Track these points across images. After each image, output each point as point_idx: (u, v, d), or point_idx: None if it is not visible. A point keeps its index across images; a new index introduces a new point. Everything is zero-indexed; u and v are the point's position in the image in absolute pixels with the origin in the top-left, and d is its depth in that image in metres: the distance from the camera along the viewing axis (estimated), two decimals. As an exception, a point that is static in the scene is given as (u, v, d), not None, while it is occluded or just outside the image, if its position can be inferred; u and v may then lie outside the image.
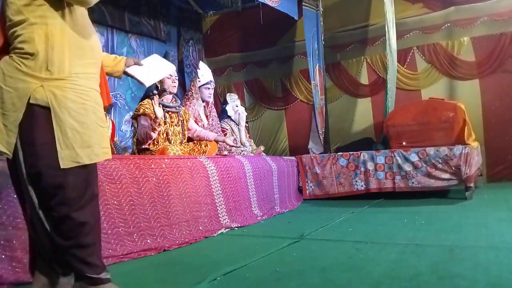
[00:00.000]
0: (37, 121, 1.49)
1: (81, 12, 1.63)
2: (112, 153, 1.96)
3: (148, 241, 2.49)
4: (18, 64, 1.50)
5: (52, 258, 1.55)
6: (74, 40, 1.56)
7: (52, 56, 1.52)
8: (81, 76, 1.57)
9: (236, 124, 4.83)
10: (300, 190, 4.78)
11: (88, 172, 1.57)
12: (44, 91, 1.49)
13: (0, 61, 1.56)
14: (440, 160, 3.98)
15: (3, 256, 1.84)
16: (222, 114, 4.91)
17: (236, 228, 3.20)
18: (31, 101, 1.48)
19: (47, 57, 1.51)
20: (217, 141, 3.95)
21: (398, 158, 4.18)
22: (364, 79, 6.16)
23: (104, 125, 1.68)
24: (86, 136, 1.55)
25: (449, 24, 5.54)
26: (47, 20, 1.51)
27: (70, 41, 1.55)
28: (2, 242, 1.85)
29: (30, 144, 1.49)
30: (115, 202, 2.37)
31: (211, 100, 4.41)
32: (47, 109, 1.49)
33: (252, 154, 4.51)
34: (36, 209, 1.50)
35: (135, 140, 3.52)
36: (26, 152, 1.49)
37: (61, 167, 1.48)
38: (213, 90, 4.41)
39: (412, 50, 5.78)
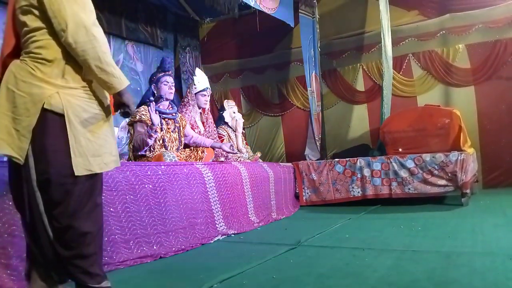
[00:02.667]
0: (50, 128, 1.49)
1: (97, 22, 1.63)
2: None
3: (144, 248, 2.48)
4: (33, 69, 1.50)
5: (52, 266, 1.54)
6: None
7: (69, 65, 1.53)
8: (94, 86, 1.59)
9: (233, 130, 4.83)
10: (297, 196, 4.78)
11: (94, 181, 1.57)
12: (60, 98, 1.50)
13: (10, 65, 1.55)
14: (436, 167, 3.99)
15: (-2, 264, 1.82)
16: (219, 120, 4.92)
17: (233, 235, 3.19)
18: (45, 107, 1.48)
19: (64, 65, 1.52)
20: (213, 148, 3.95)
21: (394, 164, 4.19)
22: (360, 85, 6.19)
23: (113, 135, 1.70)
24: (97, 145, 1.56)
25: (444, 31, 5.58)
26: None
27: None
28: (-3, 249, 1.84)
29: (41, 150, 1.48)
30: (111, 209, 2.36)
31: (207, 106, 4.42)
32: (60, 116, 1.49)
33: (249, 161, 4.50)
34: (41, 217, 1.50)
35: (131, 147, 3.51)
36: (37, 158, 1.48)
37: (76, 174, 1.49)
38: (209, 97, 4.41)
39: (407, 57, 5.81)
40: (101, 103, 1.60)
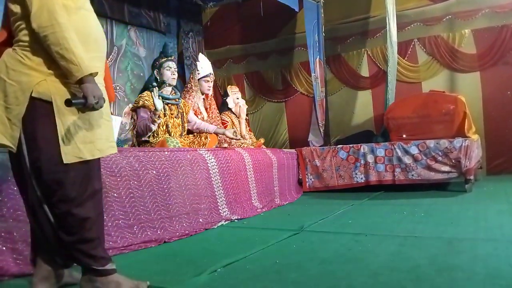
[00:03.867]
0: (39, 115, 1.48)
1: (85, 5, 1.60)
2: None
3: (148, 233, 2.50)
4: (22, 58, 1.49)
5: (56, 251, 1.56)
6: (79, 34, 1.52)
7: None
8: None
9: (236, 116, 4.82)
10: (300, 182, 4.79)
11: (89, 167, 1.56)
12: (47, 85, 1.48)
13: (3, 54, 1.54)
14: (440, 153, 3.98)
15: (4, 248, 1.84)
16: (223, 106, 4.90)
17: (236, 220, 3.21)
18: (33, 95, 1.47)
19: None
20: (217, 134, 3.94)
21: (398, 150, 4.18)
22: (364, 71, 6.15)
23: (109, 119, 1.68)
24: (88, 131, 1.54)
25: (450, 16, 5.51)
26: None
27: (77, 35, 1.51)
28: (3, 234, 1.86)
29: (32, 139, 1.48)
30: (115, 194, 2.37)
31: (210, 92, 4.40)
32: (49, 104, 1.48)
33: (252, 147, 4.50)
34: (41, 203, 1.50)
35: (134, 133, 3.52)
36: (30, 146, 1.48)
37: (64, 162, 1.47)
38: (212, 82, 4.39)
39: (413, 42, 5.76)
40: None
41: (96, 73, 1.51)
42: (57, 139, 1.48)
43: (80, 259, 1.55)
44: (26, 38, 1.49)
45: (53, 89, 1.49)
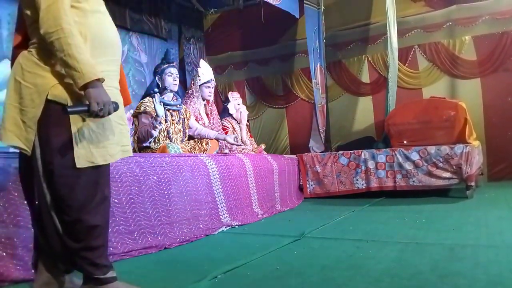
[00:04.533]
0: (53, 119, 1.47)
1: (100, 8, 1.60)
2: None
3: (149, 239, 2.50)
4: (38, 60, 1.48)
5: (59, 257, 1.54)
6: (95, 37, 1.53)
7: None
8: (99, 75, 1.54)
9: (237, 122, 4.82)
10: (301, 188, 4.78)
11: (99, 173, 1.55)
12: (63, 89, 1.47)
13: (18, 56, 1.53)
14: (441, 159, 3.98)
15: (4, 254, 1.84)
16: (224, 112, 4.91)
17: (237, 226, 3.20)
18: (48, 97, 1.46)
19: None
20: (218, 140, 3.94)
21: (399, 156, 4.18)
22: (365, 77, 6.16)
23: (124, 123, 1.66)
24: (102, 136, 1.53)
25: (450, 23, 5.53)
26: None
27: (92, 38, 1.52)
28: (3, 240, 1.85)
29: (46, 142, 1.47)
30: (116, 200, 2.37)
31: (211, 98, 4.41)
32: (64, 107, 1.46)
33: (253, 153, 4.50)
34: (48, 209, 1.49)
35: (135, 138, 3.52)
36: (43, 149, 1.47)
37: (77, 166, 1.46)
38: (213, 88, 4.40)
39: (413, 49, 5.78)
40: (108, 91, 1.53)
41: (103, 79, 1.48)
42: (70, 142, 1.47)
43: (84, 267, 1.53)
44: (43, 41, 1.47)
45: (69, 92, 1.48)
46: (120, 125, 1.62)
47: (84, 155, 1.48)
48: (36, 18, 1.47)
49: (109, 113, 1.48)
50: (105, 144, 1.54)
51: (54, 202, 1.48)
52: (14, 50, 1.61)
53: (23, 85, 1.48)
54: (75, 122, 1.48)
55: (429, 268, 1.78)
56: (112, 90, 1.57)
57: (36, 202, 1.52)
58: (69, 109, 1.43)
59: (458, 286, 1.54)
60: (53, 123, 1.47)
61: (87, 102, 1.44)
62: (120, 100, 1.63)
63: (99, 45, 1.54)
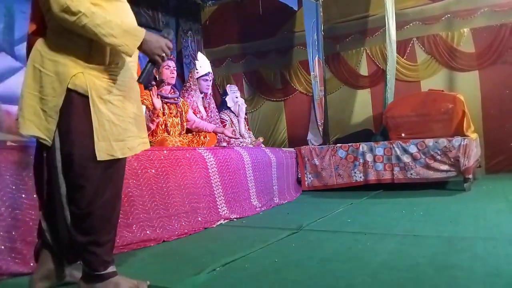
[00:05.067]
0: (74, 109, 1.44)
1: None
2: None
3: (147, 232, 2.50)
4: (59, 47, 1.45)
5: (65, 250, 1.53)
6: None
7: (96, 44, 1.47)
8: (120, 66, 1.54)
9: (235, 115, 4.82)
10: (299, 181, 4.79)
11: (116, 166, 1.53)
12: (84, 79, 1.45)
13: (36, 43, 1.50)
14: (439, 152, 3.99)
15: (3, 247, 1.84)
16: (222, 105, 4.90)
17: (235, 219, 3.21)
18: (69, 86, 1.43)
19: (90, 44, 1.46)
20: (216, 133, 3.94)
21: (397, 149, 4.19)
22: (363, 70, 6.14)
23: (141, 113, 1.65)
24: (121, 129, 1.51)
25: (449, 15, 5.51)
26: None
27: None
28: (1, 233, 1.85)
29: (66, 132, 1.44)
30: (114, 193, 2.37)
31: (209, 91, 4.40)
32: (84, 98, 1.45)
33: (251, 146, 4.50)
34: (62, 201, 1.47)
35: (133, 131, 3.50)
36: (63, 139, 1.44)
37: (98, 159, 1.45)
38: (211, 81, 4.39)
39: (412, 41, 5.75)
40: (127, 82, 1.56)
41: (143, 30, 1.51)
42: (91, 134, 1.45)
43: (90, 261, 1.50)
44: (62, 29, 1.44)
45: (90, 83, 1.45)
46: (139, 117, 1.61)
47: (104, 148, 1.46)
48: None
49: (166, 56, 1.59)
50: (124, 137, 1.52)
51: (68, 193, 1.46)
52: (30, 37, 1.56)
53: (43, 73, 1.44)
54: (97, 114, 1.46)
55: (427, 260, 1.79)
56: (130, 81, 1.57)
57: (49, 195, 1.50)
58: (141, 80, 1.52)
59: (455, 278, 1.55)
60: (73, 113, 1.44)
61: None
62: (138, 90, 1.62)
63: None
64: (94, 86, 1.46)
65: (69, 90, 1.43)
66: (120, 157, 1.52)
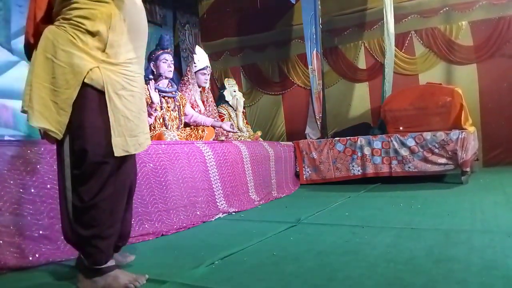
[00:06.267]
0: (89, 103, 1.42)
1: None
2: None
3: (146, 226, 2.50)
4: (73, 38, 1.42)
5: (70, 242, 1.54)
6: (132, 22, 1.50)
7: (112, 38, 1.45)
8: (133, 62, 1.53)
9: (233, 109, 4.81)
10: (297, 175, 4.80)
11: (126, 162, 1.53)
12: (101, 74, 1.42)
13: (45, 31, 1.46)
14: (436, 145, 3.99)
15: (1, 242, 1.84)
16: (220, 99, 4.89)
17: (234, 213, 3.22)
18: (85, 81, 1.40)
19: (106, 39, 1.45)
20: (214, 127, 3.94)
21: (395, 143, 4.19)
22: (361, 63, 6.14)
23: (146, 110, 1.65)
24: (134, 124, 1.51)
25: (447, 8, 5.50)
26: None
27: (129, 23, 1.49)
28: (0, 228, 1.85)
29: (79, 126, 1.42)
30: (113, 187, 2.37)
31: (207, 85, 4.39)
32: (100, 93, 1.43)
33: (249, 140, 4.50)
34: (66, 194, 1.46)
35: (131, 126, 3.50)
36: (74, 134, 1.43)
37: (115, 155, 1.43)
38: (209, 75, 4.38)
39: (410, 35, 5.75)
40: (137, 78, 1.55)
41: None
42: (106, 130, 1.43)
43: (91, 254, 1.48)
44: (81, 21, 1.42)
45: (106, 78, 1.43)
46: (144, 113, 1.61)
47: (120, 144, 1.46)
48: None
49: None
50: (136, 133, 1.52)
51: (75, 186, 1.45)
52: (38, 24, 1.51)
53: (56, 63, 1.41)
54: (113, 110, 1.44)
55: (424, 253, 1.80)
56: (140, 77, 1.57)
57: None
58: None
59: (453, 270, 1.56)
60: (88, 108, 1.42)
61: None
62: (145, 87, 1.63)
63: (136, 30, 1.52)
64: (110, 81, 1.44)
65: (84, 85, 1.41)
66: (133, 152, 1.52)
